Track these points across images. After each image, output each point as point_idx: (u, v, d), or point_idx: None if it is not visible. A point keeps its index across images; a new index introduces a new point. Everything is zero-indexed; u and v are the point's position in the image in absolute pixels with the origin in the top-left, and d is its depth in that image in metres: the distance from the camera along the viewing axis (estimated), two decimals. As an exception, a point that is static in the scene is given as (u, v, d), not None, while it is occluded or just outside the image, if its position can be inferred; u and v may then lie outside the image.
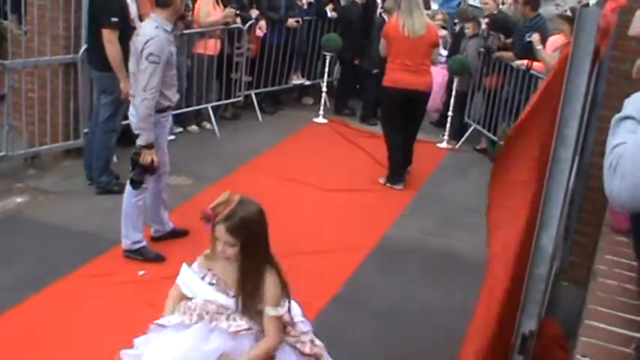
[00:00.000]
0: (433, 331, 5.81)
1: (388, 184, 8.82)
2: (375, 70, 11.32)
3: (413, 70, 8.64)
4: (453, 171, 9.74)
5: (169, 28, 6.13)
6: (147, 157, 6.10)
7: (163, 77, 6.07)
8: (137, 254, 6.44)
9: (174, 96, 6.37)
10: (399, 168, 8.87)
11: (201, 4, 9.88)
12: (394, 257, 7.07)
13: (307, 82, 12.07)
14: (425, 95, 8.91)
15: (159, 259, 6.47)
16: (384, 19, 11.38)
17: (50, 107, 8.17)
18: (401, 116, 8.83)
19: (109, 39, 7.37)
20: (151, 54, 5.93)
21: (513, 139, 4.04)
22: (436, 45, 9.00)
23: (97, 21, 7.49)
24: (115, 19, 7.36)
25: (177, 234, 6.83)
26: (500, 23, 10.57)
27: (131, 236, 6.42)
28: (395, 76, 8.68)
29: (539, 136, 3.61)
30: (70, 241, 6.54)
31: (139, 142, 6.11)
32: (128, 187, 6.32)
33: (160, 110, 6.20)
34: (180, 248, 6.72)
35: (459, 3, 17.61)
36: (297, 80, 12.02)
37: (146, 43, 5.96)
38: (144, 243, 6.48)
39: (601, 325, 2.74)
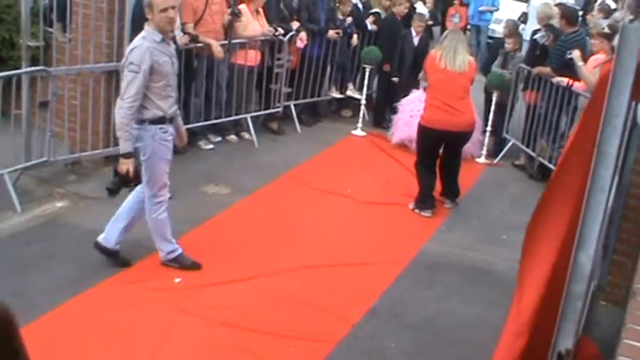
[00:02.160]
0: (468, 346, 5.79)
1: (416, 210, 8.54)
2: (395, 78, 11.68)
3: (452, 109, 8.28)
4: (491, 186, 9.68)
5: (159, 38, 6.00)
6: (122, 167, 6.00)
7: (151, 87, 5.97)
8: (174, 262, 6.48)
9: (169, 107, 6.17)
10: (428, 194, 8.59)
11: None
12: (431, 271, 7.04)
13: (358, 96, 12.04)
14: (464, 134, 8.56)
15: (195, 266, 6.50)
16: (410, 33, 11.67)
17: (92, 114, 8.26)
18: (435, 153, 8.60)
19: None
20: (131, 63, 5.89)
21: (561, 161, 4.03)
22: (473, 82, 8.74)
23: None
24: None
25: (117, 259, 6.44)
26: (554, 27, 10.44)
27: (163, 248, 6.46)
28: (432, 116, 8.38)
29: (580, 156, 3.59)
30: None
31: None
32: (146, 206, 6.32)
33: (155, 121, 6.09)
34: (217, 258, 6.77)
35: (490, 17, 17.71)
36: (335, 93, 12.02)
37: (129, 51, 5.99)
38: (179, 251, 6.51)
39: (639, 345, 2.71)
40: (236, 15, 9.56)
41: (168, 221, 6.40)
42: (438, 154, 8.62)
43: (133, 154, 6.02)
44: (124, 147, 5.98)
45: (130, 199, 6.43)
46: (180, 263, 6.48)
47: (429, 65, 8.53)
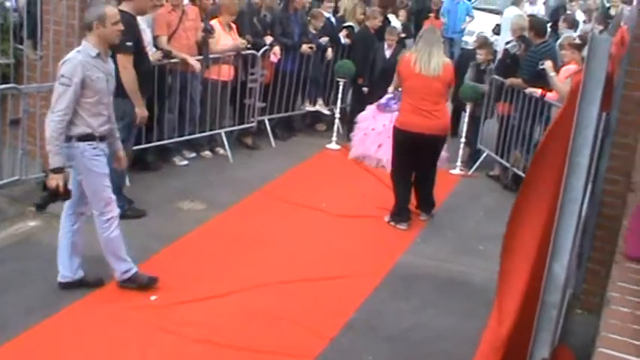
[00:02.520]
0: (445, 358, 5.80)
1: (392, 223, 8.52)
2: (365, 88, 11.70)
3: (426, 112, 8.25)
4: (466, 197, 9.73)
5: (94, 53, 5.89)
6: (52, 182, 5.80)
7: (82, 102, 5.84)
8: (130, 283, 6.33)
9: (99, 126, 6.00)
10: (403, 207, 8.58)
11: (210, 32, 9.89)
12: (407, 284, 7.04)
13: (326, 112, 12.07)
14: (439, 139, 8.53)
15: (152, 282, 6.38)
16: (382, 46, 11.69)
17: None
18: (410, 159, 8.53)
19: (124, 64, 7.37)
20: (62, 75, 5.78)
21: (531, 169, 4.04)
22: (451, 84, 8.68)
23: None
24: (129, 44, 7.36)
25: (87, 284, 6.37)
26: (526, 38, 10.50)
27: (118, 268, 6.30)
28: (406, 119, 8.35)
29: (552, 166, 3.60)
30: (82, 265, 6.55)
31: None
32: (97, 225, 6.18)
33: (83, 138, 5.92)
34: (193, 274, 6.74)
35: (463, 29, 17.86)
36: (311, 108, 12.03)
37: (62, 64, 5.89)
38: (134, 270, 6.35)
39: (614, 353, 2.72)
40: (209, 32, 9.56)
41: (121, 239, 6.25)
42: (414, 161, 8.57)
43: (62, 169, 5.81)
44: (54, 161, 5.78)
45: (61, 225, 6.30)
46: (136, 282, 6.34)
47: (403, 69, 8.44)
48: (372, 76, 11.65)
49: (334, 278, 6.99)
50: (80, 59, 5.82)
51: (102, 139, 6.07)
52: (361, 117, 10.98)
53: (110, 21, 5.93)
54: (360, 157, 10.71)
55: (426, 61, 8.21)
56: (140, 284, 6.33)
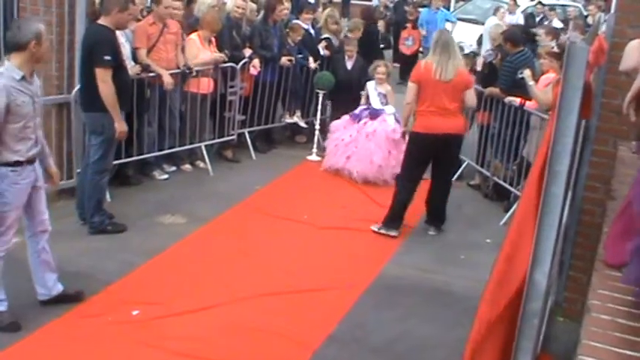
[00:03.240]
0: (429, 368, 5.79)
1: (382, 230, 8.51)
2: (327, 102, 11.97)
3: (445, 113, 8.27)
4: (447, 207, 9.73)
5: (19, 75, 5.50)
6: None
7: (8, 128, 5.49)
8: None
9: (27, 150, 5.68)
10: (399, 214, 8.58)
11: (188, 46, 9.89)
12: (390, 294, 7.04)
13: (303, 124, 12.08)
14: (459, 138, 8.57)
15: (11, 329, 5.80)
16: (343, 57, 11.86)
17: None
18: (424, 165, 8.57)
19: (103, 78, 7.34)
20: None
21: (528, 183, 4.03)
22: (469, 87, 8.58)
23: (89, 61, 7.48)
24: (107, 58, 7.34)
25: (67, 298, 6.25)
26: (503, 47, 10.52)
27: None
28: (427, 122, 8.26)
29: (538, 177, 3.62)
30: (62, 281, 6.49)
31: None
32: None
33: (9, 164, 5.58)
34: (175, 289, 6.71)
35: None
36: (291, 120, 12.04)
37: None
38: (0, 308, 5.86)
39: (596, 361, 2.73)
40: (189, 70, 9.60)
41: None
42: (427, 166, 8.63)
43: None
44: None
45: (27, 247, 6.11)
46: None
47: (423, 78, 8.28)
48: (336, 89, 11.63)
49: (317, 290, 6.98)
50: (4, 84, 5.43)
51: (30, 162, 5.77)
52: (334, 126, 10.94)
53: (44, 38, 5.67)
54: (331, 169, 10.62)
55: (445, 68, 8.22)
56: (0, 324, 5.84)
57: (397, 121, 10.32)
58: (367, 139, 10.29)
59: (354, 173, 10.25)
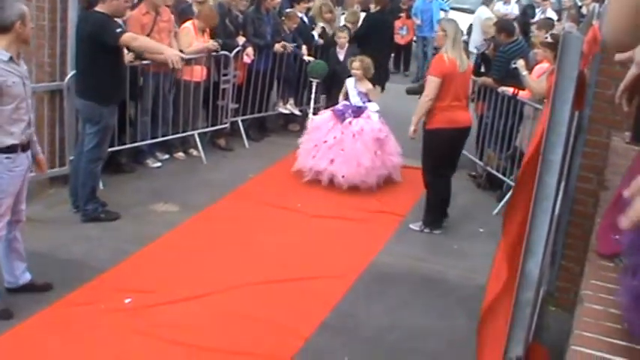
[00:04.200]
0: (421, 357, 5.81)
1: (426, 230, 8.46)
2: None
3: (464, 106, 8.36)
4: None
5: (6, 57, 5.51)
6: None
7: (2, 110, 5.52)
8: None
9: (22, 132, 5.69)
10: (442, 212, 8.58)
11: (181, 35, 9.89)
12: (382, 283, 7.05)
13: (297, 112, 12.07)
14: (469, 130, 8.62)
15: (4, 316, 5.81)
16: (335, 48, 11.77)
17: (36, 134, 8.14)
18: (450, 158, 8.45)
19: (132, 38, 7.62)
20: None
21: (522, 173, 4.03)
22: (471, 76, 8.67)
23: (88, 48, 7.47)
24: (119, 29, 7.44)
25: (34, 288, 6.20)
26: (496, 38, 10.53)
27: None
28: (451, 117, 8.13)
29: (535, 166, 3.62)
30: (55, 269, 6.51)
31: None
32: None
33: (4, 150, 5.60)
34: (168, 277, 6.71)
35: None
36: (284, 109, 12.03)
37: None
38: None
39: (587, 351, 2.73)
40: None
41: None
42: (453, 160, 8.55)
43: None
44: None
45: None
46: None
47: (447, 71, 8.08)
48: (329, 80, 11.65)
49: (310, 278, 6.98)
50: None
51: (24, 148, 5.79)
52: (313, 125, 10.14)
53: (28, 19, 5.70)
54: (306, 169, 9.69)
55: (461, 60, 8.21)
56: None
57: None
58: (354, 140, 9.52)
59: (339, 177, 9.43)
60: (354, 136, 9.53)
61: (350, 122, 9.65)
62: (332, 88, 11.55)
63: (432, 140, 8.20)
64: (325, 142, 9.64)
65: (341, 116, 9.76)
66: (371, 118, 9.77)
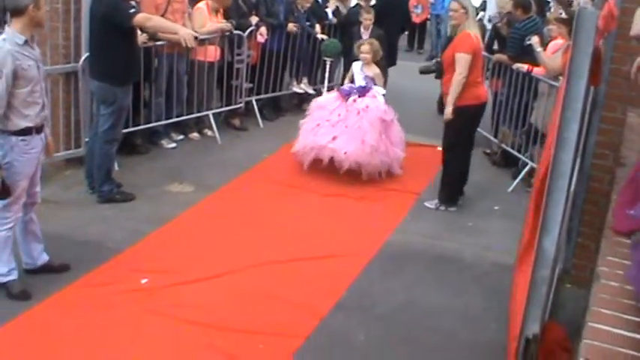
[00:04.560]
0: (437, 335, 5.81)
1: (442, 208, 8.46)
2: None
3: (482, 82, 8.50)
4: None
5: (21, 40, 5.52)
6: None
7: (16, 93, 5.54)
8: (2, 288, 5.91)
9: (36, 115, 5.72)
10: (458, 189, 8.61)
11: (195, 15, 9.88)
12: (397, 262, 7.05)
13: (311, 91, 12.03)
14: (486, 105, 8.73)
15: (22, 297, 5.84)
16: (359, 29, 11.42)
17: (51, 117, 8.13)
18: (473, 133, 8.60)
19: (146, 18, 7.59)
20: None
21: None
22: None
23: (102, 29, 7.47)
24: (132, 10, 7.42)
25: (52, 269, 6.23)
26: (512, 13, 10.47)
27: None
28: (477, 92, 8.24)
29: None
30: (72, 250, 6.54)
31: None
32: None
33: (19, 132, 5.64)
34: (184, 257, 6.74)
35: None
36: (298, 89, 12.00)
37: None
38: (11, 277, 5.89)
39: (604, 328, 2.73)
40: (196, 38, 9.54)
41: (10, 242, 5.87)
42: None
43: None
44: None
45: None
46: (8, 290, 5.87)
47: (477, 48, 8.18)
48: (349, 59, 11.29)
49: (325, 257, 6.99)
50: (9, 48, 5.49)
51: (39, 130, 5.81)
52: (316, 104, 9.70)
53: (42, 2, 5.69)
54: (306, 149, 9.19)
55: (478, 33, 8.29)
56: (9, 294, 5.86)
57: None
58: (359, 117, 9.11)
59: (341, 154, 8.88)
60: (358, 113, 9.14)
61: (355, 100, 9.27)
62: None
63: (460, 117, 8.16)
64: (328, 120, 9.25)
65: (346, 95, 9.38)
66: (377, 98, 9.38)
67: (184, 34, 7.87)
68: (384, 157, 9.06)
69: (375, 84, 9.61)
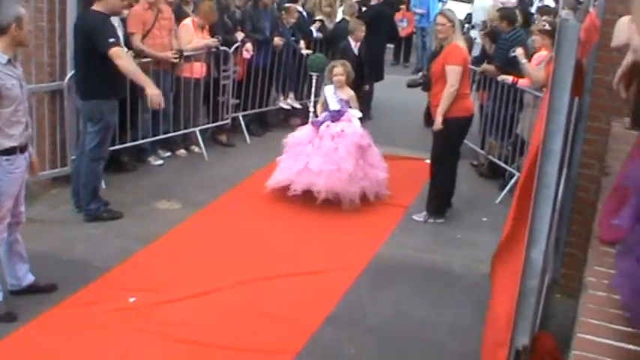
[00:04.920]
0: (428, 347, 5.81)
1: (430, 220, 8.45)
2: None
3: (469, 94, 8.57)
4: (443, 187, 9.76)
5: (4, 59, 5.49)
6: None
7: (1, 113, 5.49)
8: None
9: (20, 134, 5.67)
10: (447, 200, 8.63)
11: (181, 32, 9.90)
12: (386, 275, 7.05)
13: (297, 106, 12.05)
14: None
15: (8, 319, 5.77)
16: (349, 42, 11.44)
17: (37, 135, 8.14)
18: (460, 145, 8.67)
19: (117, 55, 7.37)
20: None
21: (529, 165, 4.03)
22: None
23: (87, 48, 7.43)
24: (112, 40, 7.36)
25: (38, 289, 6.17)
26: (491, 33, 10.60)
27: None
28: (466, 104, 8.31)
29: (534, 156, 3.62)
30: (58, 269, 6.51)
31: None
32: None
33: (3, 152, 5.57)
34: (172, 274, 6.71)
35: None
36: (285, 104, 12.02)
37: None
38: None
39: (593, 338, 2.73)
40: (180, 53, 9.58)
41: None
42: None
43: None
44: None
45: None
46: None
47: (466, 60, 8.33)
48: None
49: (314, 273, 6.98)
50: None
51: (23, 149, 5.75)
52: (293, 140, 9.00)
53: (25, 22, 5.67)
54: (281, 183, 8.62)
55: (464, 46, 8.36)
56: None
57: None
58: (333, 142, 8.56)
59: (319, 184, 8.35)
60: (332, 138, 8.59)
61: (328, 125, 8.73)
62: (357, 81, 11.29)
63: (449, 128, 8.20)
64: (308, 155, 8.64)
65: (318, 126, 8.85)
66: (353, 122, 8.85)
67: (152, 93, 7.51)
68: (363, 182, 8.59)
69: (350, 107, 9.07)
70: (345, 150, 8.49)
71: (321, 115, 9.01)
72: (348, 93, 9.12)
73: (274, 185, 8.67)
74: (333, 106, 8.95)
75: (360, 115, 9.11)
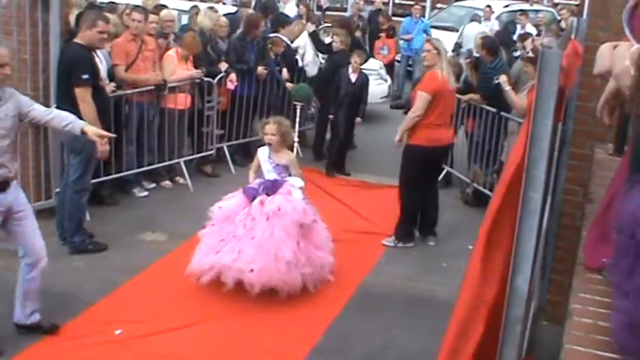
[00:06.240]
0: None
1: (400, 244, 8.55)
2: (330, 115, 11.47)
3: (448, 124, 8.55)
4: (428, 215, 9.78)
5: None
6: None
7: None
8: None
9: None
10: (413, 225, 8.69)
11: (165, 63, 9.91)
12: (373, 304, 7.04)
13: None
14: (450, 147, 8.86)
15: None
16: (346, 70, 11.36)
17: (20, 168, 8.09)
18: (427, 175, 8.59)
19: (83, 98, 7.33)
20: None
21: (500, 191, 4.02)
22: None
23: (67, 80, 7.45)
24: (85, 77, 7.36)
25: (40, 329, 6.12)
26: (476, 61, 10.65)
27: None
28: (433, 135, 8.21)
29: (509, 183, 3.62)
30: (44, 302, 6.43)
31: None
32: None
33: None
34: (158, 306, 6.68)
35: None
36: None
37: None
38: None
39: (579, 365, 2.74)
40: (163, 87, 9.60)
41: None
42: (430, 176, 8.67)
43: None
44: None
45: (19, 273, 6.05)
46: None
47: (439, 88, 8.12)
48: (339, 104, 11.31)
49: (299, 302, 6.95)
50: None
51: (2, 188, 5.75)
52: (221, 214, 7.39)
53: (5, 61, 5.59)
54: (204, 268, 7.05)
55: (450, 75, 8.33)
56: None
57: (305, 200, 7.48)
58: (268, 224, 7.03)
59: (249, 273, 6.82)
60: (268, 218, 7.06)
61: (262, 202, 7.19)
62: (344, 110, 11.27)
63: (410, 155, 8.36)
64: (235, 236, 7.12)
65: (252, 198, 7.30)
66: (293, 195, 7.32)
67: (100, 146, 6.68)
68: (306, 268, 7.08)
69: (290, 174, 7.53)
70: (282, 232, 7.01)
71: (254, 182, 7.55)
72: (287, 157, 7.63)
73: (196, 270, 7.09)
74: (269, 174, 7.47)
75: (302, 183, 7.53)
